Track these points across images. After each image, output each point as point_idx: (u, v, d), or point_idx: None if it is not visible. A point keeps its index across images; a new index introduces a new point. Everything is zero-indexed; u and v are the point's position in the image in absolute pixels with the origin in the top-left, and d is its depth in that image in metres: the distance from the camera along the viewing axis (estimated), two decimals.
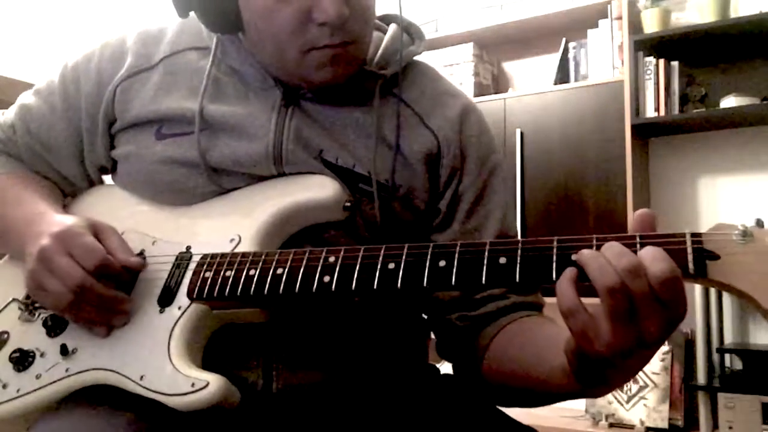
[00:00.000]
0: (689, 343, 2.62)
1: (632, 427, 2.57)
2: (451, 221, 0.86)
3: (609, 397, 2.66)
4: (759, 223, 2.34)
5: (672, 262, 0.55)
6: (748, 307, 2.61)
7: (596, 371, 0.61)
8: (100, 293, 0.74)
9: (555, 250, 0.61)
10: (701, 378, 2.45)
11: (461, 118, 0.88)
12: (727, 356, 2.50)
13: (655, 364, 2.61)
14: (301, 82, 0.83)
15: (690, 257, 0.57)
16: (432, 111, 0.88)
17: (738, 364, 2.50)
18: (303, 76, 0.82)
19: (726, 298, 2.56)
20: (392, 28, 0.91)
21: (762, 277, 0.55)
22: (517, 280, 0.62)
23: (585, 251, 0.58)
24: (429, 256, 0.66)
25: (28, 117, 0.92)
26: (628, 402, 2.62)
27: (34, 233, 0.78)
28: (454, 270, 0.64)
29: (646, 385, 2.60)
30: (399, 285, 0.66)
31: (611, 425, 2.61)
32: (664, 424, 2.53)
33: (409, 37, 0.93)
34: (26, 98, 0.95)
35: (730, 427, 2.28)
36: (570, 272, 0.59)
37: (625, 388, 2.64)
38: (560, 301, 0.58)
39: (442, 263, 0.65)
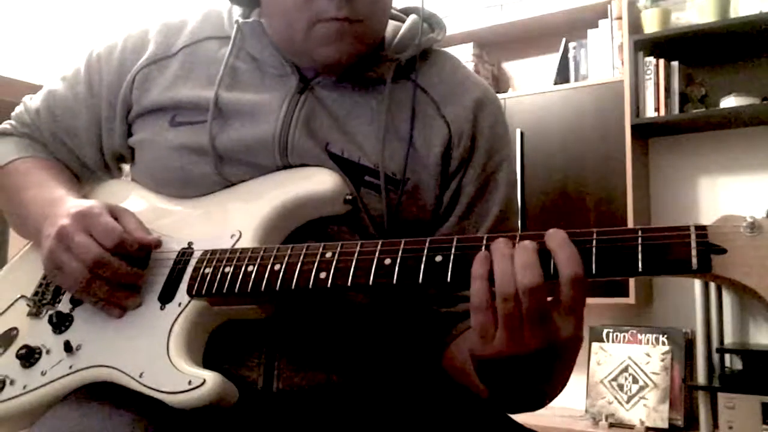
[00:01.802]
0: (689, 343, 2.62)
1: (632, 427, 2.57)
2: (450, 214, 0.85)
3: (609, 397, 2.65)
4: None
5: (581, 294, 0.57)
6: (748, 307, 2.61)
7: (494, 372, 0.65)
8: (116, 269, 0.75)
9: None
10: (701, 378, 2.45)
11: (476, 108, 0.86)
12: (727, 356, 2.49)
13: (655, 364, 2.60)
14: (312, 64, 0.83)
15: (693, 252, 0.54)
16: (448, 98, 0.87)
17: (738, 364, 2.49)
18: (310, 54, 0.81)
19: (726, 297, 2.56)
20: (412, 17, 0.91)
21: None
22: None
23: (496, 254, 0.60)
24: (425, 252, 0.65)
25: (54, 103, 0.95)
26: (628, 402, 2.62)
27: (52, 215, 0.79)
28: (450, 265, 0.63)
29: (646, 385, 2.60)
30: (395, 281, 0.65)
31: (611, 425, 2.60)
32: (664, 424, 2.52)
33: (429, 26, 0.92)
34: (54, 84, 0.97)
35: (730, 427, 2.28)
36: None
37: (625, 387, 2.64)
38: (472, 296, 0.61)
39: (438, 258, 0.64)
